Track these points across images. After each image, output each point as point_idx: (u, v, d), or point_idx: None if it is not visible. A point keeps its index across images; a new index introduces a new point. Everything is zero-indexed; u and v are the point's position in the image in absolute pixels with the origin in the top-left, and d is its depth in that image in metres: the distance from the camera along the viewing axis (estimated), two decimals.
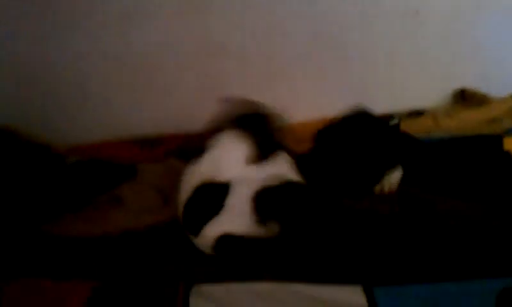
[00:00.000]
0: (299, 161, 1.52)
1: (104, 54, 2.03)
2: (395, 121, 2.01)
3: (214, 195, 1.34)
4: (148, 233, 1.46)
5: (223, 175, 1.38)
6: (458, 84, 2.19)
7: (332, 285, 1.18)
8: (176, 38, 2.04)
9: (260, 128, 1.52)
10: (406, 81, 2.17)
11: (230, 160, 1.43)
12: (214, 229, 1.30)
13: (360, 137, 1.60)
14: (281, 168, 1.43)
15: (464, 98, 2.15)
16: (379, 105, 2.11)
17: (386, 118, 2.04)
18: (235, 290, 1.19)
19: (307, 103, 2.15)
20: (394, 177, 1.56)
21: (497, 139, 1.77)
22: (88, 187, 1.69)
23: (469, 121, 1.97)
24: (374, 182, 1.54)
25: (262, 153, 1.43)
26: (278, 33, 2.07)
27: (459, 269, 1.20)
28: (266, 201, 1.29)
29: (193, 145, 1.98)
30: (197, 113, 2.13)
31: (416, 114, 2.09)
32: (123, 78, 2.08)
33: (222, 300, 1.16)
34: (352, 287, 1.17)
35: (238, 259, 1.28)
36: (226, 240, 1.28)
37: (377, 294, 1.14)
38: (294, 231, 1.29)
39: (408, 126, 1.97)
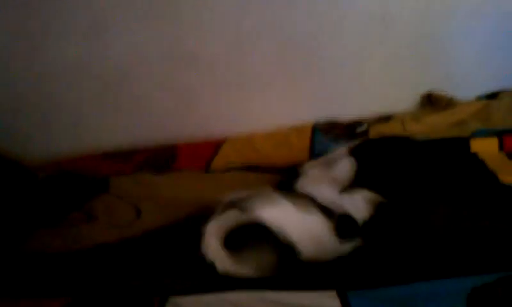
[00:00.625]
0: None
1: (73, 66, 2.03)
2: (363, 128, 2.04)
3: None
4: (121, 247, 1.45)
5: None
6: (426, 89, 2.23)
7: (306, 291, 1.18)
8: (146, 49, 2.04)
9: None
10: (375, 87, 2.20)
11: None
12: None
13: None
14: None
15: (431, 102, 2.19)
16: (349, 111, 2.16)
17: (355, 124, 2.07)
18: (210, 301, 1.19)
19: (278, 111, 2.18)
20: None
21: (464, 141, 1.81)
22: (60, 202, 1.68)
23: (436, 124, 2.01)
24: None
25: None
26: (248, 42, 2.09)
27: (431, 270, 1.22)
28: None
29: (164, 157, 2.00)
30: (169, 124, 2.15)
31: (385, 119, 2.11)
32: (93, 91, 2.08)
33: None
34: (326, 292, 1.17)
35: None
36: None
37: (351, 298, 1.15)
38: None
39: (377, 132, 2.00)
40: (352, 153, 1.57)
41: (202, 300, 1.20)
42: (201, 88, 2.12)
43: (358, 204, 1.37)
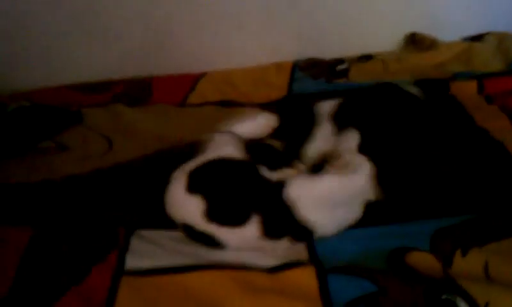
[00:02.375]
0: None
1: None
2: (344, 66, 2.01)
3: None
4: (91, 179, 1.43)
5: None
6: (409, 29, 2.19)
7: None
8: None
9: None
10: (357, 25, 2.14)
11: None
12: None
13: None
14: None
15: (414, 42, 2.15)
16: (330, 50, 2.12)
17: (336, 62, 2.04)
18: (174, 236, 1.20)
19: (258, 49, 2.12)
20: None
21: (444, 83, 1.78)
22: (30, 132, 1.64)
23: (417, 65, 1.98)
24: None
25: None
26: None
27: (399, 213, 1.24)
28: None
29: (139, 90, 1.96)
30: (144, 58, 2.10)
31: (366, 58, 2.08)
32: (67, 23, 2.00)
33: (160, 243, 1.18)
34: None
35: None
36: None
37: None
38: None
39: (357, 71, 1.98)
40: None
41: (167, 235, 1.20)
42: (179, 22, 2.04)
43: None
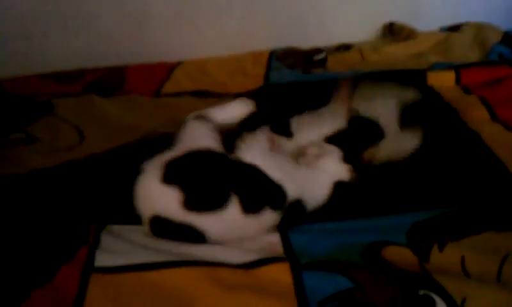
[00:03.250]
0: None
1: None
2: (322, 56, 1.98)
3: None
4: (61, 172, 1.39)
5: None
6: (387, 19, 2.18)
7: None
8: None
9: None
10: (335, 15, 2.14)
11: None
12: None
13: None
14: None
15: (392, 32, 2.14)
16: (308, 39, 2.09)
17: (314, 52, 2.01)
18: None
19: (233, 37, 2.10)
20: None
21: (421, 73, 1.77)
22: (0, 123, 1.59)
23: (395, 55, 1.97)
24: None
25: None
26: None
27: (373, 206, 1.23)
28: None
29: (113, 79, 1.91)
30: (120, 47, 2.05)
31: (344, 48, 2.06)
32: (40, 9, 1.94)
33: (131, 239, 1.14)
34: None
35: None
36: None
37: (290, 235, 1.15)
38: None
39: (335, 61, 1.96)
40: None
41: (138, 230, 1.17)
42: (153, 11, 2.01)
43: None
